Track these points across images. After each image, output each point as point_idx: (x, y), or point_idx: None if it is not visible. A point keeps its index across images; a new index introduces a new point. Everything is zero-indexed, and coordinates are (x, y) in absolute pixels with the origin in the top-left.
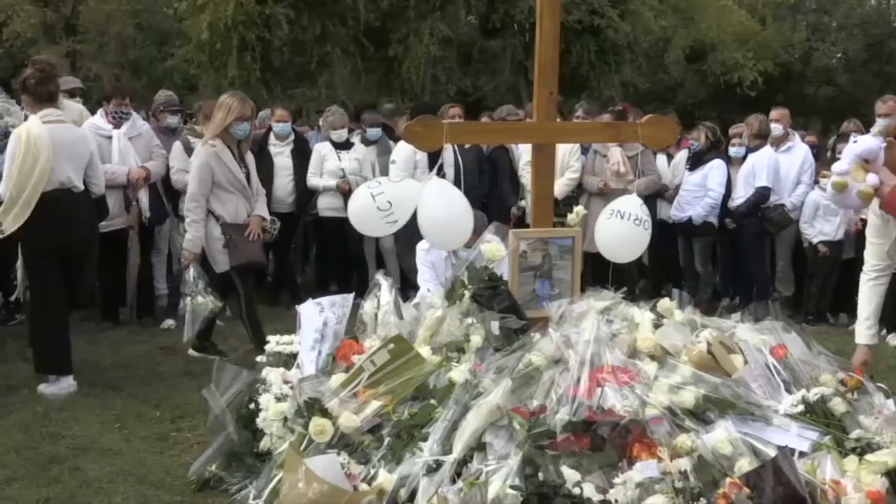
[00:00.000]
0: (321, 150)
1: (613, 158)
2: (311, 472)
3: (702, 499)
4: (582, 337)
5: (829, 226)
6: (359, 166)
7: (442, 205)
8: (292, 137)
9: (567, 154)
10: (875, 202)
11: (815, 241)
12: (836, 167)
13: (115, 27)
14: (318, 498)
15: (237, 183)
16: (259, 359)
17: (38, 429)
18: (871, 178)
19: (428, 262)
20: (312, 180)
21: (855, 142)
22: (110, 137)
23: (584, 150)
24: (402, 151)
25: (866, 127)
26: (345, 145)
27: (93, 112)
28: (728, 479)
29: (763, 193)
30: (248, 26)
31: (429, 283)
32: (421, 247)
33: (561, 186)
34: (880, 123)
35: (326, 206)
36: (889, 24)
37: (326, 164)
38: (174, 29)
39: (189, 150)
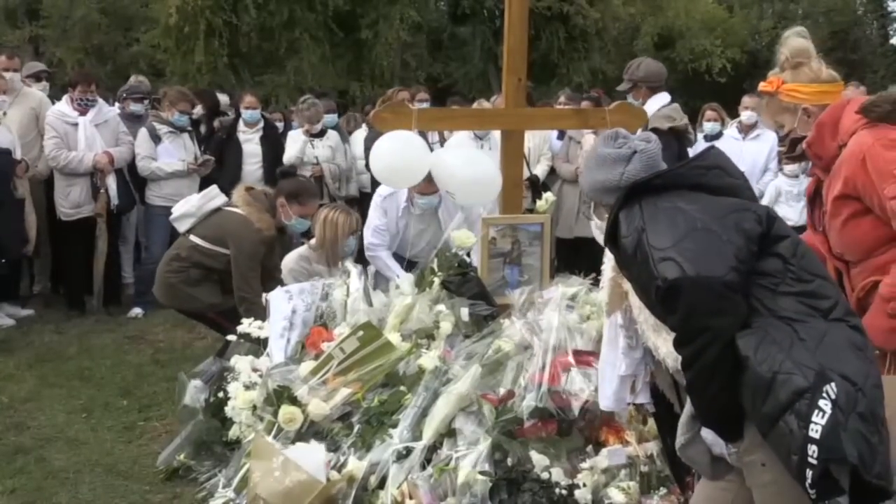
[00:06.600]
0: (295, 138)
1: (586, 146)
2: (289, 461)
3: (662, 488)
4: (547, 323)
5: (792, 211)
6: (332, 154)
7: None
8: (261, 124)
9: (541, 143)
10: None
11: None
12: None
13: (80, 11)
14: (295, 486)
15: None
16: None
17: (3, 419)
18: None
19: (382, 208)
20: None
21: None
22: (76, 124)
23: (560, 137)
24: None
25: None
26: (318, 133)
27: (57, 98)
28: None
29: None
30: (216, 11)
31: (376, 230)
32: (379, 192)
33: (541, 172)
34: None
35: None
36: (853, 13)
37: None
38: (140, 14)
39: (155, 136)
